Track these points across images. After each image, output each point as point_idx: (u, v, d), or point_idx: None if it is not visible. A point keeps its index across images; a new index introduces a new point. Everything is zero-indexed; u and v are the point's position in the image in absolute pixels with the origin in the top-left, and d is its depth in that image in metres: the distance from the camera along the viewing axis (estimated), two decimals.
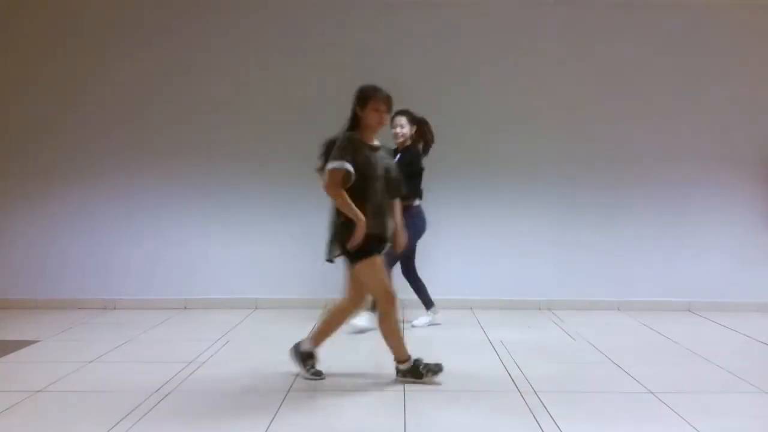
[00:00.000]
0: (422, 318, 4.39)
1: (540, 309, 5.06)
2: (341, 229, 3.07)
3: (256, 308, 5.00)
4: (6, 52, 5.10)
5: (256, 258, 5.09)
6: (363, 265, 3.06)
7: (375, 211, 3.06)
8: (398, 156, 4.04)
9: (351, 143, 3.01)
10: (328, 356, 3.68)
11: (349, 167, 2.95)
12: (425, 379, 3.14)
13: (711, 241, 5.11)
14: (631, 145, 5.10)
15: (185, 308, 5.04)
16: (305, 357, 3.28)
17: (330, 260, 3.16)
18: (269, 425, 2.60)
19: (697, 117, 5.10)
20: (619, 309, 5.07)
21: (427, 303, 4.40)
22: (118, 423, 2.61)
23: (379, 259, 3.10)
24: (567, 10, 5.06)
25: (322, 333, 3.29)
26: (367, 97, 3.10)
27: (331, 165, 2.96)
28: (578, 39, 5.08)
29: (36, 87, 5.10)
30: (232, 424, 2.66)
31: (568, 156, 5.09)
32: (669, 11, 5.05)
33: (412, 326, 4.29)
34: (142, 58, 5.10)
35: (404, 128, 4.16)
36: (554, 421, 2.65)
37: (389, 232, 3.18)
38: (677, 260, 5.11)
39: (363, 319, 4.05)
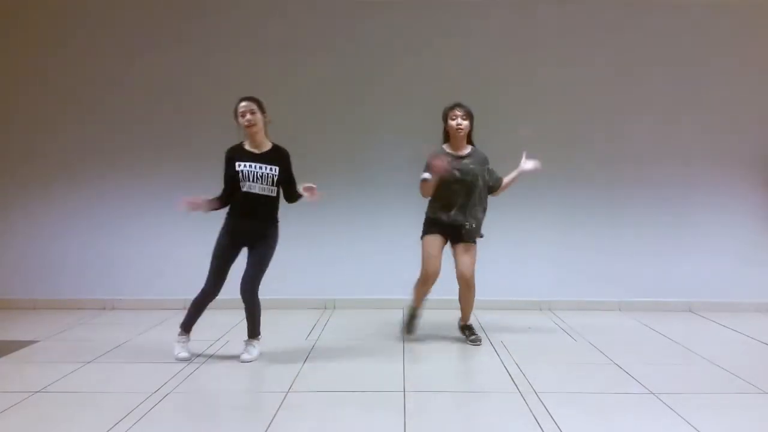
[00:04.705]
0: (252, 350, 3.62)
1: (540, 309, 5.06)
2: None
3: None
4: (7, 52, 5.10)
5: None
6: (422, 242, 3.93)
7: (442, 203, 3.84)
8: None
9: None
10: (328, 356, 3.68)
11: (426, 176, 3.76)
12: (406, 328, 4.10)
13: (711, 242, 5.11)
14: (631, 145, 5.10)
15: (185, 308, 5.00)
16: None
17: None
18: (269, 425, 2.59)
19: (697, 117, 5.10)
20: (620, 309, 5.07)
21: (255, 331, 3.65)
22: (117, 423, 2.61)
23: (434, 238, 3.88)
24: (567, 9, 5.06)
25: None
26: (445, 112, 3.89)
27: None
28: (578, 39, 5.08)
29: (37, 87, 5.10)
30: (231, 424, 2.65)
31: (568, 156, 5.09)
32: (669, 11, 5.06)
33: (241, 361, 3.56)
34: (146, 60, 5.09)
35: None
36: (555, 421, 2.65)
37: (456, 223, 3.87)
38: (678, 260, 5.11)
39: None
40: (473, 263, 3.91)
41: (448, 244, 3.98)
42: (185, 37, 5.08)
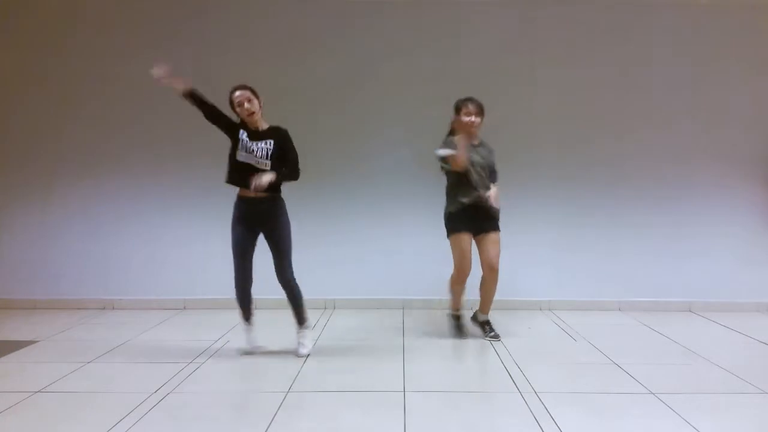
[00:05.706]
0: (307, 342, 3.73)
1: (540, 309, 5.06)
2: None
3: (256, 308, 4.98)
4: (7, 52, 5.10)
5: (255, 259, 5.07)
6: (451, 240, 3.94)
7: (465, 189, 3.84)
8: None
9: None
10: (328, 356, 3.68)
11: (445, 152, 3.78)
12: (457, 333, 4.17)
13: (711, 241, 5.10)
14: (631, 145, 5.10)
15: (185, 308, 5.04)
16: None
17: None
18: (269, 425, 2.59)
19: (697, 117, 5.10)
20: (619, 309, 5.07)
21: (303, 319, 3.73)
22: (117, 423, 2.61)
23: (463, 236, 3.89)
24: (567, 9, 5.06)
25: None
26: (458, 107, 3.94)
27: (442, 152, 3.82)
28: (578, 39, 5.08)
29: (37, 87, 5.10)
30: (231, 424, 2.65)
31: (568, 156, 5.09)
32: (669, 11, 5.05)
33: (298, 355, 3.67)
34: (145, 59, 5.06)
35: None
36: (555, 421, 2.65)
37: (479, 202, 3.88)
38: (677, 260, 5.10)
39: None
40: (499, 253, 3.94)
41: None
42: (183, 37, 5.07)
